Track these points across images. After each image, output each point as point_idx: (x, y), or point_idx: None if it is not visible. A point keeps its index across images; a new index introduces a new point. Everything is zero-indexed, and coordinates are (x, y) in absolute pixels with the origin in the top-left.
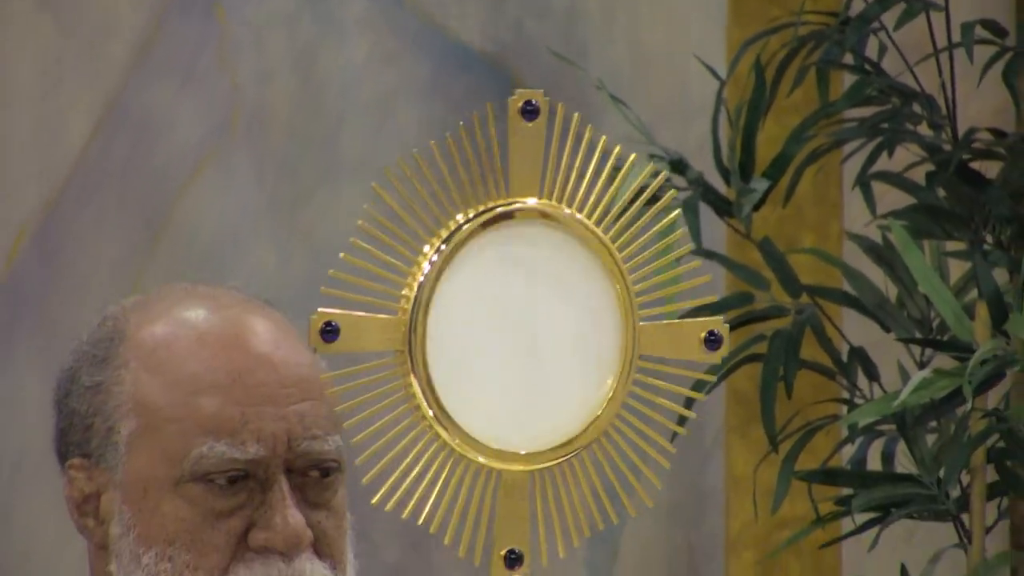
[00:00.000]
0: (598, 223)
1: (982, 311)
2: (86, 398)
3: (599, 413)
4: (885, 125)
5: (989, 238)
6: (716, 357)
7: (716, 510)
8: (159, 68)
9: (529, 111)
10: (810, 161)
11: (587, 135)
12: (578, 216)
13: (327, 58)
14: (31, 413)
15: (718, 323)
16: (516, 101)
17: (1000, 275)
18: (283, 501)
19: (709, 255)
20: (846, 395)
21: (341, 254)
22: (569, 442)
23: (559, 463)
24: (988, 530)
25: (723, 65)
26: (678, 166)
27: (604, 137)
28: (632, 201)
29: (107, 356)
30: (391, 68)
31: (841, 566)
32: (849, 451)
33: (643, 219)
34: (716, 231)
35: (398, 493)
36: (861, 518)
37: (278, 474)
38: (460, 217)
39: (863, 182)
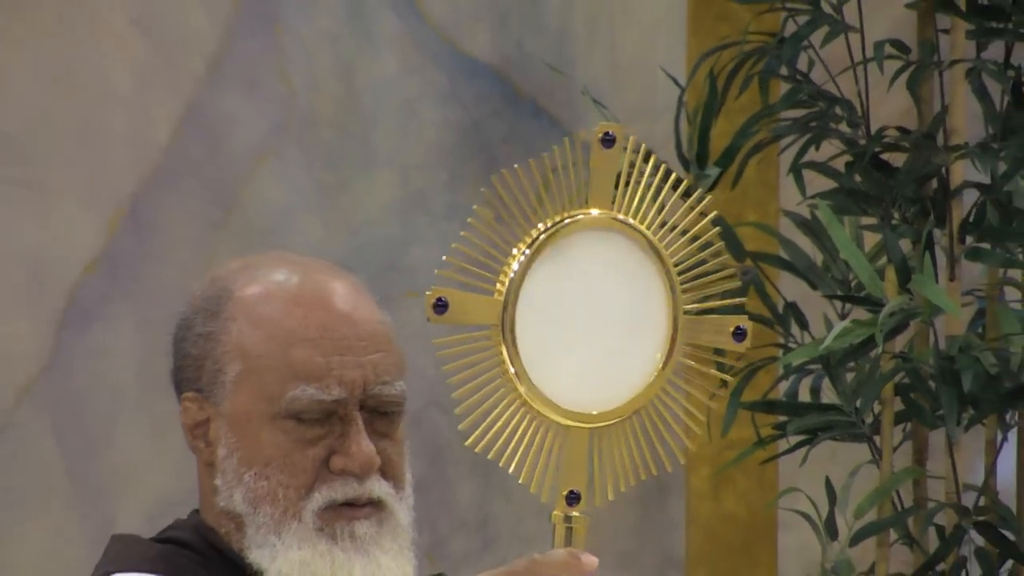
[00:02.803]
0: (654, 231)
1: (891, 273)
2: (199, 344)
3: (647, 385)
4: (813, 124)
5: (896, 215)
6: (742, 347)
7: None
8: (229, 77)
9: (607, 140)
10: (753, 152)
11: (651, 160)
12: (639, 226)
13: (364, 69)
14: (126, 358)
15: (744, 319)
16: (597, 132)
17: (905, 244)
18: (359, 434)
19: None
20: (782, 341)
21: (453, 244)
22: (623, 407)
23: (614, 423)
24: (895, 449)
25: (683, 74)
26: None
27: (664, 164)
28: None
29: (218, 310)
30: (415, 77)
31: (778, 479)
32: (784, 386)
33: (682, 224)
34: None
35: (486, 438)
36: (794, 440)
37: (354, 411)
38: (548, 221)
39: (796, 169)
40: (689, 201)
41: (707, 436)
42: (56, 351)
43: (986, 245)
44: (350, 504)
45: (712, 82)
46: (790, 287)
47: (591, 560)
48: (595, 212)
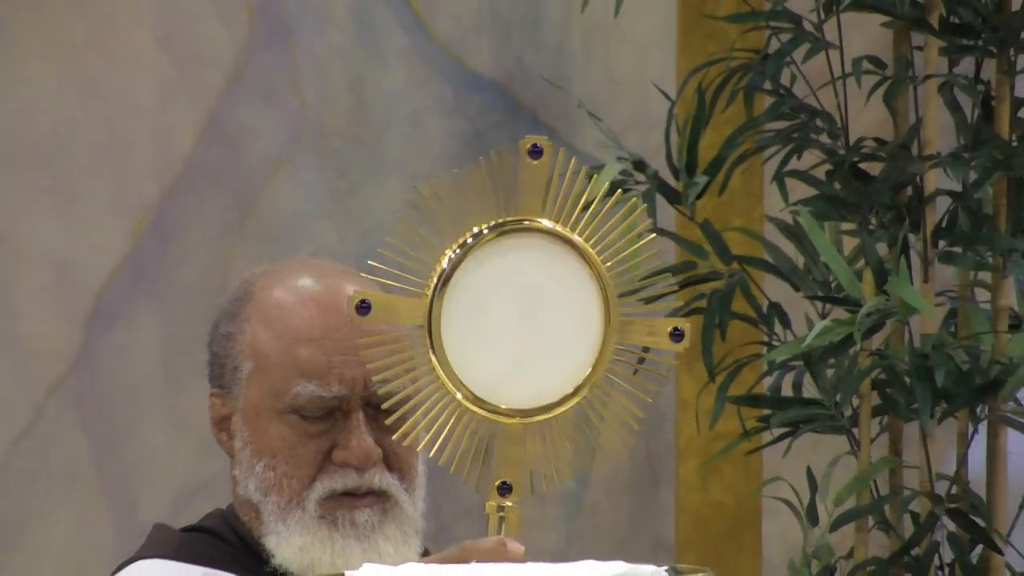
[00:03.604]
0: (586, 239)
1: (868, 275)
2: (221, 343)
3: (580, 384)
4: (795, 135)
5: (873, 220)
6: (680, 348)
7: (669, 426)
8: (246, 90)
9: (535, 151)
10: (739, 162)
11: (581, 172)
12: (570, 234)
13: (374, 82)
14: (149, 355)
15: (682, 322)
16: (525, 143)
17: (882, 248)
18: (358, 429)
19: (662, 233)
20: (766, 339)
21: (379, 249)
22: (555, 403)
23: (545, 420)
24: (872, 441)
25: (673, 89)
26: (639, 165)
27: (595, 175)
28: (608, 196)
29: (237, 312)
30: (422, 90)
31: (762, 469)
32: (768, 381)
33: (615, 232)
34: (668, 215)
35: (416, 430)
36: (777, 432)
37: (356, 407)
38: (476, 228)
39: (779, 178)
40: (624, 209)
41: (696, 428)
42: (83, 348)
43: (958, 249)
44: (350, 494)
45: (700, 96)
46: (774, 288)
47: (517, 548)
48: (524, 220)
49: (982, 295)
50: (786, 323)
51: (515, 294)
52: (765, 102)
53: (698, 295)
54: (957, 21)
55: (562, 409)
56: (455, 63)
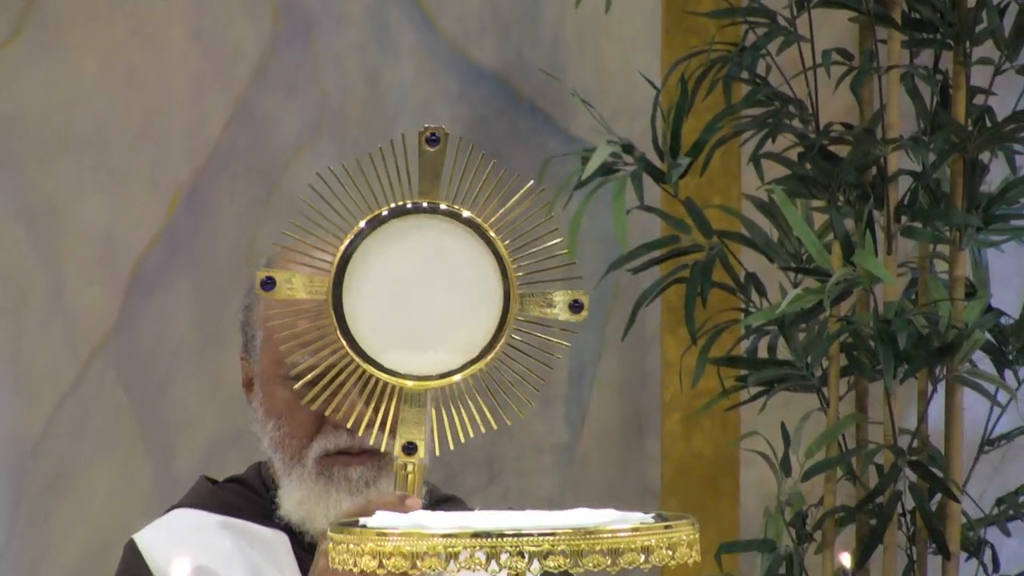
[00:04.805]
0: (485, 220)
1: (836, 248)
2: (245, 314)
3: (480, 353)
4: (770, 120)
5: (841, 198)
6: (579, 318)
7: (655, 384)
8: (272, 82)
9: (432, 139)
10: (719, 145)
11: (478, 159)
12: (467, 214)
13: (387, 75)
14: (183, 321)
15: (581, 294)
16: (423, 132)
17: (848, 223)
18: (351, 393)
19: (649, 209)
20: (743, 306)
21: (283, 231)
22: (455, 371)
23: (447, 384)
24: (840, 398)
25: (658, 79)
26: (628, 148)
27: (493, 161)
28: (590, 179)
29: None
30: (430, 82)
31: (740, 423)
32: (745, 344)
33: (515, 212)
34: (654, 193)
35: (324, 395)
36: (754, 390)
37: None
38: (376, 209)
39: (755, 159)
40: (521, 192)
41: (680, 386)
42: (123, 313)
43: (918, 224)
44: (346, 452)
45: (683, 85)
46: (750, 260)
47: (414, 503)
48: (422, 203)
49: (940, 266)
50: (762, 291)
51: (417, 270)
52: (742, 90)
53: (681, 266)
54: (918, 16)
55: (463, 375)
56: (460, 57)
